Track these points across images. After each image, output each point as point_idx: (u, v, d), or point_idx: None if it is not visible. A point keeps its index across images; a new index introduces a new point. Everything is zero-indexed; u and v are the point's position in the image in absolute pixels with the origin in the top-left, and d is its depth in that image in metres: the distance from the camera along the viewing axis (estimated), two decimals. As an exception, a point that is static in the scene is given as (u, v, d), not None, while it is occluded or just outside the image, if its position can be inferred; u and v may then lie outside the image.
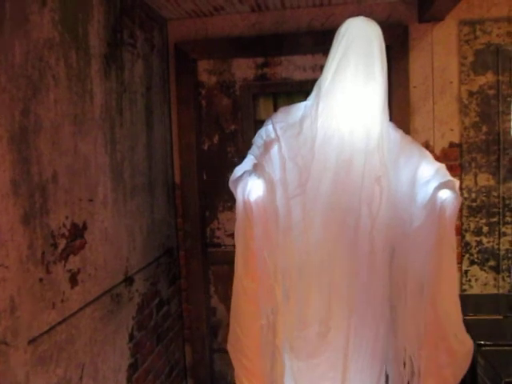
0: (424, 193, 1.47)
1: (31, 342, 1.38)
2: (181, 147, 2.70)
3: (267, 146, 1.55)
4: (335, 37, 1.62)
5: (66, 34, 1.63)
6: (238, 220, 1.43)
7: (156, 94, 2.50)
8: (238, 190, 1.41)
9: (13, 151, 1.34)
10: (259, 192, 1.38)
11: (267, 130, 1.62)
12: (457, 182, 1.46)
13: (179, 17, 2.62)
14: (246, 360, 1.46)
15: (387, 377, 1.71)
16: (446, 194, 1.39)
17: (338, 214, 1.56)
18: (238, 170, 1.47)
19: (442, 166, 1.54)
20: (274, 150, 1.56)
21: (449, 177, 1.49)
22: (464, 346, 1.44)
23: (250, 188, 1.37)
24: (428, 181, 1.47)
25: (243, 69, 2.67)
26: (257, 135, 1.64)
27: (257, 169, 1.41)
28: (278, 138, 1.56)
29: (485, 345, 1.90)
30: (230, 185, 1.46)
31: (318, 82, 1.63)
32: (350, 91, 1.55)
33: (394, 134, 1.64)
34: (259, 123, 2.64)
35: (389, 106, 2.52)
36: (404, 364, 1.55)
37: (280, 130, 1.58)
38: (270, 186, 1.43)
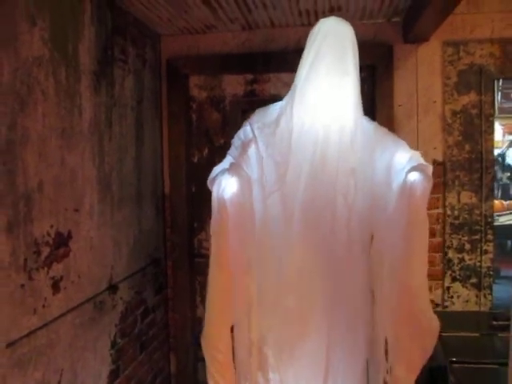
0: (398, 179, 1.50)
1: (10, 345, 1.44)
2: (171, 159, 2.77)
3: (245, 146, 1.61)
4: (309, 36, 1.67)
5: (56, 52, 1.71)
6: (212, 217, 1.48)
7: (147, 108, 2.58)
8: (213, 188, 1.47)
9: (-2, 163, 1.41)
10: (233, 189, 1.44)
11: (245, 131, 1.67)
12: (430, 167, 1.49)
13: (172, 33, 2.72)
14: (218, 353, 1.50)
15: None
16: (414, 176, 1.42)
17: (316, 207, 1.60)
18: (216, 169, 1.52)
19: (416, 153, 1.57)
20: (252, 149, 1.61)
21: (422, 161, 1.51)
22: (431, 323, 1.49)
23: (224, 186, 1.44)
24: (403, 168, 1.50)
25: (233, 85, 2.76)
26: (235, 136, 1.70)
27: (232, 167, 1.47)
28: (255, 138, 1.62)
29: (456, 362, 1.94)
30: (208, 183, 1.52)
31: (294, 81, 1.68)
32: (324, 88, 1.59)
33: (368, 127, 1.66)
34: (248, 138, 2.71)
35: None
36: (386, 352, 1.58)
37: (257, 130, 1.64)
38: (247, 183, 1.49)
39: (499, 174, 5.42)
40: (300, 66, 1.64)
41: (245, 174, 1.50)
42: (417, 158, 1.54)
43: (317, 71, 1.59)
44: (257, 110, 1.74)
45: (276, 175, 1.60)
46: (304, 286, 1.64)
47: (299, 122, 1.59)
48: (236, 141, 1.67)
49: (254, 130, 1.63)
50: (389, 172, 1.55)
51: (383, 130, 1.69)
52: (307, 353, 1.65)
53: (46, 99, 1.65)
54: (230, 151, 1.63)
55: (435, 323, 1.50)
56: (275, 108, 1.70)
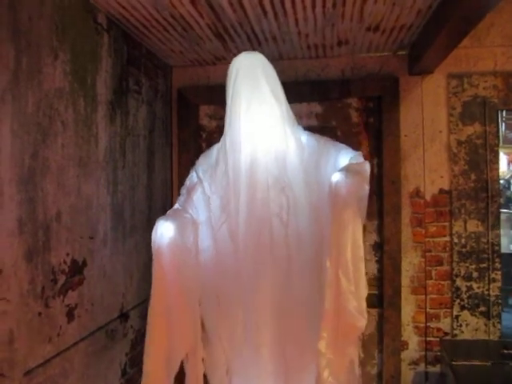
0: None
1: (26, 373, 1.45)
2: (181, 187, 2.79)
3: (190, 191, 1.74)
4: (227, 75, 1.76)
5: (76, 84, 1.76)
6: (153, 262, 1.57)
7: (158, 137, 2.63)
8: (152, 235, 1.56)
9: (21, 192, 1.44)
10: (170, 233, 1.53)
11: (191, 177, 1.79)
12: (365, 164, 1.55)
13: (183, 65, 2.79)
14: None
15: None
16: (336, 177, 1.43)
17: (255, 229, 1.66)
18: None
19: (357, 154, 1.64)
20: (198, 192, 1.73)
21: (359, 160, 1.58)
22: (356, 323, 1.42)
23: (160, 232, 1.53)
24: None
25: (242, 114, 2.81)
26: (183, 186, 1.82)
27: (170, 213, 1.61)
28: (200, 181, 1.73)
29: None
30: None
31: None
32: (245, 118, 1.67)
33: (309, 140, 1.73)
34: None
35: (380, 153, 2.66)
36: None
37: (202, 173, 1.75)
38: (190, 225, 1.61)
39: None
40: (227, 103, 1.73)
41: (188, 216, 1.62)
42: (355, 159, 1.60)
43: (238, 104, 1.68)
44: (201, 155, 1.85)
45: (221, 208, 1.68)
46: (248, 306, 1.66)
47: (232, 154, 1.67)
48: (182, 190, 1.81)
49: (199, 173, 1.75)
50: None
51: (324, 140, 1.75)
52: (263, 370, 1.65)
53: (65, 130, 1.70)
54: (177, 200, 1.77)
55: (360, 324, 1.42)
56: (216, 148, 1.80)
